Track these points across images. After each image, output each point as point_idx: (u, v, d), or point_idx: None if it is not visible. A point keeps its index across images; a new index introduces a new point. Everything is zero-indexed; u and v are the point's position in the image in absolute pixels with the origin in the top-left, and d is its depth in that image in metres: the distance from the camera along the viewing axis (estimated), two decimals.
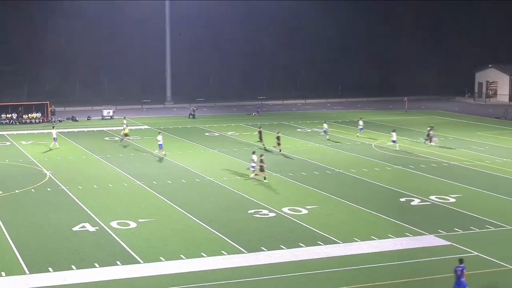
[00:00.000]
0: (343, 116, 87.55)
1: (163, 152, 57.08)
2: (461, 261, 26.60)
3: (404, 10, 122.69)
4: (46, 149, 60.66)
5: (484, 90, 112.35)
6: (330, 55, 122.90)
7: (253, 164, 48.00)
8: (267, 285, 27.97)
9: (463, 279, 26.02)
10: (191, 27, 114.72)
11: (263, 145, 60.54)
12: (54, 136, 61.63)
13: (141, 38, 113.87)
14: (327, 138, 66.13)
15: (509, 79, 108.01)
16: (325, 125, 68.03)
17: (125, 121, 69.17)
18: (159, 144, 57.18)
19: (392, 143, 61.22)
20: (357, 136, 67.71)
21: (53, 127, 64.84)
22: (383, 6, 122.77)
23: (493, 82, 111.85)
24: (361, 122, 68.89)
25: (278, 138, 59.56)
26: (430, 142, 62.66)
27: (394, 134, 61.56)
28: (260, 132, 61.79)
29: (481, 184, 46.10)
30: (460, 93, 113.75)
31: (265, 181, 47.21)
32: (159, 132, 59.54)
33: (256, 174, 48.05)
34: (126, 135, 65.26)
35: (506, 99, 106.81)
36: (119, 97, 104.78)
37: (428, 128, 64.24)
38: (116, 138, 67.98)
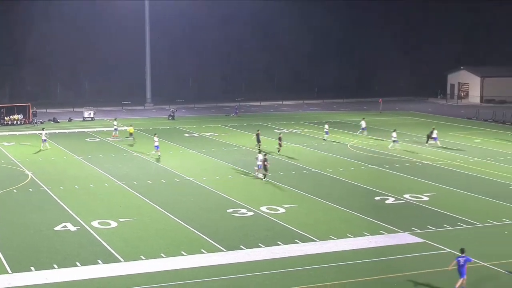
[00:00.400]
0: (319, 117, 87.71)
1: (159, 153, 56.77)
2: (462, 250, 26.99)
3: (378, 14, 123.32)
4: (35, 150, 60.56)
5: (456, 91, 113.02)
6: (306, 58, 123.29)
7: (259, 163, 48.14)
8: (246, 283, 27.97)
9: (465, 269, 26.59)
10: (170, 29, 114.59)
11: (259, 147, 59.77)
12: (44, 138, 61.30)
13: (121, 40, 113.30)
14: (324, 139, 66.30)
15: (480, 81, 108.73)
16: (326, 126, 67.81)
17: (115, 122, 69.62)
18: (155, 146, 56.96)
19: (393, 143, 61.15)
20: (356, 134, 68.29)
21: (43, 128, 64.34)
22: (358, 10, 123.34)
23: (464, 83, 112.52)
24: (363, 122, 69.04)
25: (279, 139, 59.30)
26: (428, 142, 62.68)
27: (394, 134, 61.40)
28: (257, 135, 61.31)
29: (453, 183, 46.37)
30: (433, 95, 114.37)
31: (263, 179, 47.35)
32: (155, 134, 59.30)
33: (258, 172, 48.37)
34: (130, 134, 65.88)
35: (477, 100, 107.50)
36: (100, 99, 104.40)
37: (431, 131, 63.66)
38: (98, 139, 67.76)
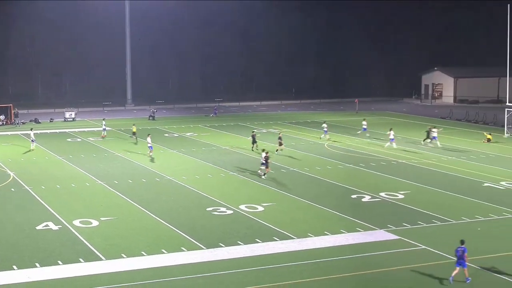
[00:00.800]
0: (296, 117, 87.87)
1: (151, 153, 56.36)
2: (462, 242, 27.39)
3: (354, 16, 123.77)
4: (17, 151, 60.46)
5: (430, 91, 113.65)
6: (284, 59, 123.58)
7: (263, 161, 48.22)
8: (226, 279, 27.93)
9: (465, 259, 27.07)
10: (151, 31, 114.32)
11: (255, 148, 59.15)
12: (32, 138, 60.85)
13: (102, 42, 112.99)
14: (328, 137, 66.31)
15: (454, 81, 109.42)
16: (325, 125, 67.63)
17: (104, 122, 69.48)
18: (149, 146, 56.67)
19: (389, 143, 60.98)
20: (357, 133, 68.59)
21: (31, 129, 63.85)
22: (334, 12, 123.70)
23: (438, 84, 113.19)
24: (364, 122, 69.05)
25: (280, 138, 58.94)
26: (430, 141, 62.16)
27: (391, 132, 61.21)
28: (253, 136, 60.32)
29: (428, 181, 46.59)
30: (407, 95, 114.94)
31: (262, 177, 47.48)
32: (148, 134, 59.03)
33: (260, 171, 48.37)
34: (134, 133, 65.83)
35: (451, 100, 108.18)
36: (81, 100, 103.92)
37: (428, 128, 63.51)
38: (79, 139, 67.47)
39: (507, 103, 71.43)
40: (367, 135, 67.90)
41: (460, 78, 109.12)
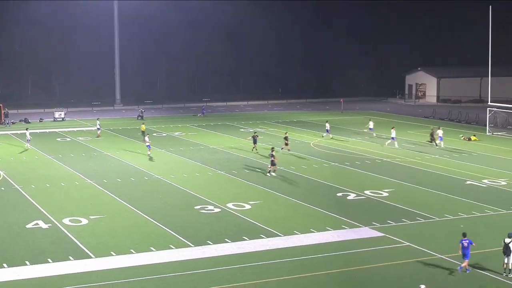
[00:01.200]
0: (283, 116, 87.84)
1: (149, 152, 56.09)
2: (464, 234, 28.04)
3: (340, 18, 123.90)
4: (7, 150, 60.03)
5: (413, 91, 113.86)
6: (270, 60, 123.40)
7: (273, 159, 48.38)
8: (214, 277, 27.89)
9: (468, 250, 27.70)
10: (139, 32, 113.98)
11: (254, 150, 58.51)
12: (28, 137, 60.47)
13: (91, 42, 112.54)
14: (331, 137, 66.32)
15: (437, 82, 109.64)
16: (327, 124, 67.42)
17: (98, 122, 69.33)
18: (147, 145, 56.45)
19: (391, 141, 60.85)
20: (363, 131, 68.43)
21: (27, 128, 63.40)
22: (320, 12, 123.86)
23: (422, 84, 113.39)
24: (371, 123, 68.75)
25: (286, 138, 58.37)
26: (435, 142, 61.18)
27: (393, 131, 60.91)
28: (254, 137, 59.06)
29: (411, 179, 46.71)
30: (392, 95, 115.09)
31: (268, 174, 47.64)
32: (147, 134, 58.62)
33: (274, 169, 48.38)
34: (143, 132, 65.48)
35: (434, 100, 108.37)
36: (70, 100, 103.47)
37: (431, 131, 62.86)
38: (68, 139, 67.20)
39: (489, 103, 71.71)
40: (374, 134, 67.51)
41: (443, 78, 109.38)
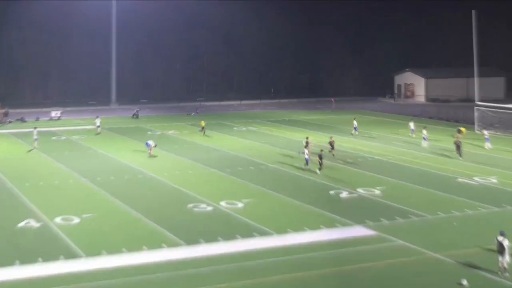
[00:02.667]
0: (275, 115, 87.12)
1: (149, 151, 54.84)
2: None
3: (331, 19, 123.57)
4: (3, 149, 58.95)
5: (402, 91, 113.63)
6: (263, 60, 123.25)
7: (306, 157, 47.97)
8: (206, 275, 26.66)
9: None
10: (135, 32, 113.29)
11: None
12: (35, 136, 58.98)
13: (87, 42, 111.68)
14: (352, 133, 66.02)
15: (425, 82, 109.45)
16: (355, 122, 67.07)
17: (98, 120, 69.20)
18: (147, 144, 55.20)
19: (423, 141, 59.34)
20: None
21: (35, 127, 61.99)
22: (311, 15, 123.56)
23: (410, 84, 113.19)
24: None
25: (331, 143, 55.12)
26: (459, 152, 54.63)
27: (424, 131, 59.71)
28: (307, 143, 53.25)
29: (404, 177, 45.60)
30: (381, 94, 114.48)
31: (318, 172, 46.67)
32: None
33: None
34: (202, 128, 65.94)
35: (422, 99, 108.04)
36: (67, 99, 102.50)
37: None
38: (63, 138, 66.11)
39: (476, 102, 71.11)
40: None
41: (431, 78, 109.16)
